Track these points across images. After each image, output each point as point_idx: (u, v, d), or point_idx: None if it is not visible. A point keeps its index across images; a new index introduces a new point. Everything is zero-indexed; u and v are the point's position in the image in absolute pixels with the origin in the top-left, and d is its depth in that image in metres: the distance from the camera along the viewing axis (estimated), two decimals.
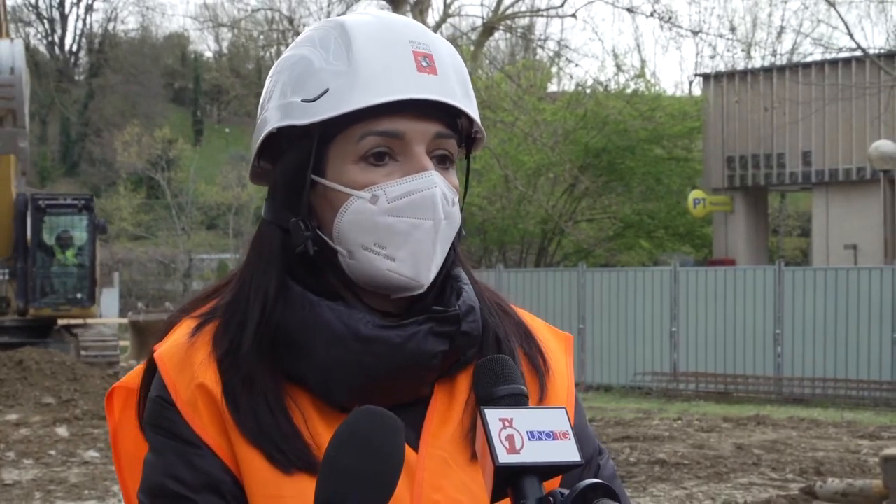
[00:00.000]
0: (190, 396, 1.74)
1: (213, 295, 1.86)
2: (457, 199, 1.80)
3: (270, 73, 1.85)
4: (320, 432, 1.72)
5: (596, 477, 1.81)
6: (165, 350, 1.79)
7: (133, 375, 1.87)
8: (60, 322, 26.40)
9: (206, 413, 1.73)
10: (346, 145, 1.75)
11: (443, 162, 1.78)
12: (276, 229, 1.80)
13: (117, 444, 1.89)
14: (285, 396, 1.74)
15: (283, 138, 1.79)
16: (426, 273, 1.76)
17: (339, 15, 1.95)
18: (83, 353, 24.41)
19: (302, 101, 1.76)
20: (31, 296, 26.14)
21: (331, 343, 1.73)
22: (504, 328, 1.87)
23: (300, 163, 1.77)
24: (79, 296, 26.53)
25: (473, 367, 1.78)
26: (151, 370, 1.80)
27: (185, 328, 1.81)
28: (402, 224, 1.73)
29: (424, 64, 1.75)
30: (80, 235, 27.14)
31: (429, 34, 1.79)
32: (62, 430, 16.20)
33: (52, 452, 14.45)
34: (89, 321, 26.70)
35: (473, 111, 1.80)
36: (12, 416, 17.71)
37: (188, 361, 1.76)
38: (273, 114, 1.79)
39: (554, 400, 1.84)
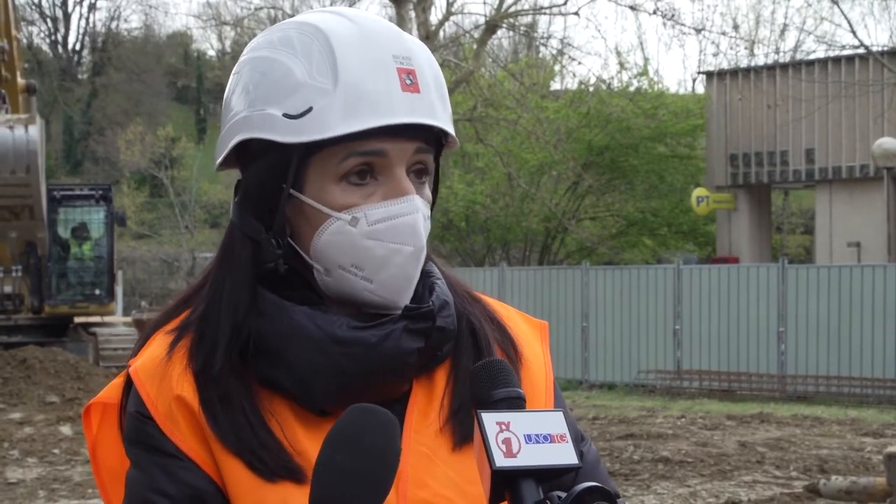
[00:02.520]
0: (168, 409, 1.73)
1: (186, 304, 1.84)
2: (429, 212, 1.79)
3: (243, 68, 1.80)
4: (300, 439, 1.71)
5: (580, 464, 1.82)
6: (140, 365, 1.78)
7: (109, 390, 1.85)
8: (77, 320, 25.48)
9: (185, 425, 1.72)
10: (326, 164, 1.73)
11: (419, 176, 1.77)
12: (247, 240, 1.78)
13: (97, 459, 1.88)
14: (262, 407, 1.73)
15: (254, 142, 1.76)
16: (405, 296, 1.75)
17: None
18: (102, 352, 23.63)
19: (283, 115, 1.72)
20: (46, 292, 25.13)
21: (308, 348, 1.72)
22: (479, 318, 1.86)
23: (275, 175, 1.75)
24: (97, 292, 25.58)
25: (450, 360, 1.80)
26: (129, 385, 1.79)
27: (159, 342, 1.80)
28: (380, 248, 1.72)
29: (408, 82, 1.72)
30: (97, 228, 26.13)
31: (408, 43, 1.76)
32: (66, 429, 16.19)
33: (56, 451, 14.45)
34: (107, 319, 25.72)
35: (450, 124, 1.79)
36: (16, 415, 17.70)
37: (165, 375, 1.75)
38: (250, 120, 1.75)
39: (531, 390, 1.83)
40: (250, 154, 1.77)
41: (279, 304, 1.74)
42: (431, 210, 1.81)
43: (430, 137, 1.77)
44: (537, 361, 1.88)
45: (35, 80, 26.34)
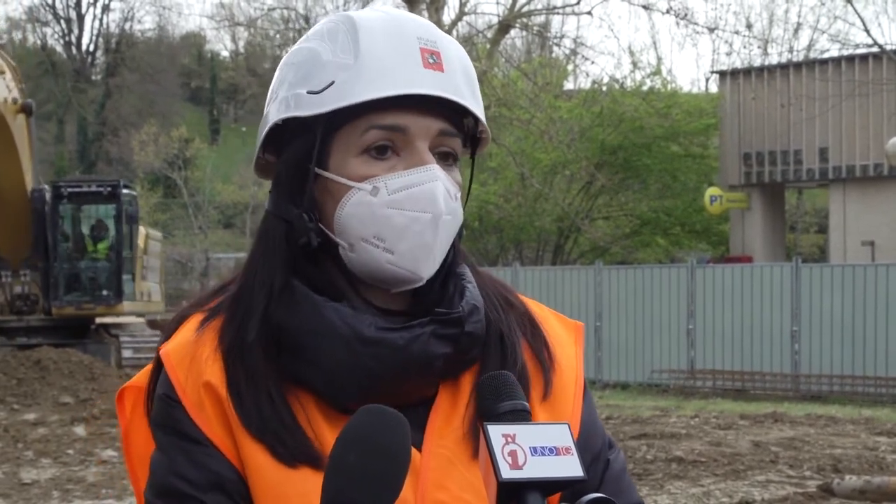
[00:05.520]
0: (197, 396, 1.74)
1: (221, 291, 1.86)
2: (459, 195, 1.79)
3: (280, 66, 1.86)
4: (324, 433, 1.72)
5: (605, 472, 1.84)
6: (172, 348, 1.79)
7: (143, 375, 1.87)
8: (98, 321, 24.88)
9: (212, 412, 1.73)
10: (349, 138, 1.75)
11: (445, 159, 1.77)
12: (280, 222, 1.80)
13: (129, 443, 1.89)
14: (288, 394, 1.74)
15: (286, 131, 1.80)
16: (426, 266, 1.75)
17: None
18: (125, 355, 23.25)
19: (307, 92, 1.76)
20: (53, 293, 24.47)
21: (335, 346, 1.72)
22: (508, 323, 1.86)
23: (303, 155, 1.78)
24: (104, 292, 24.85)
25: (478, 366, 1.80)
26: (158, 368, 1.81)
27: (192, 324, 1.82)
28: (400, 217, 1.73)
29: (431, 60, 1.75)
30: (106, 225, 25.43)
31: (438, 33, 1.79)
32: (80, 430, 16.22)
33: (70, 452, 14.47)
34: (129, 320, 25.23)
35: (479, 110, 1.80)
36: (30, 416, 17.73)
37: (194, 358, 1.76)
38: (279, 105, 1.80)
39: (560, 394, 1.83)
40: (283, 142, 1.81)
41: (309, 297, 1.75)
42: (462, 207, 1.81)
43: (458, 122, 1.79)
44: (569, 365, 1.88)
45: (49, 81, 25.92)
